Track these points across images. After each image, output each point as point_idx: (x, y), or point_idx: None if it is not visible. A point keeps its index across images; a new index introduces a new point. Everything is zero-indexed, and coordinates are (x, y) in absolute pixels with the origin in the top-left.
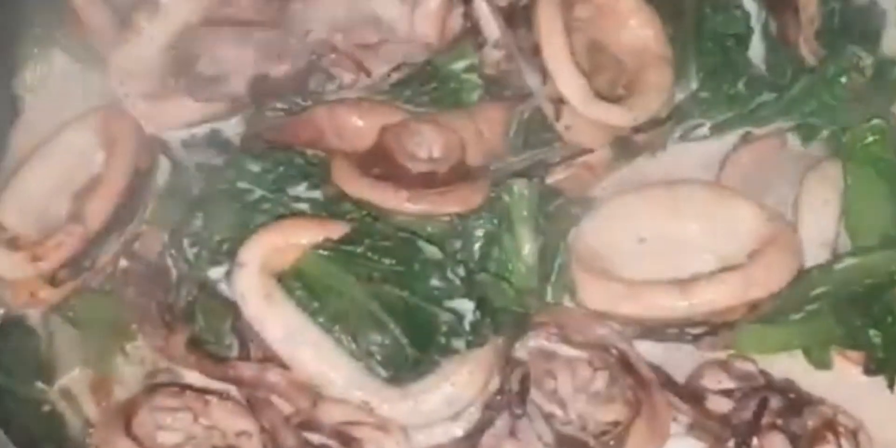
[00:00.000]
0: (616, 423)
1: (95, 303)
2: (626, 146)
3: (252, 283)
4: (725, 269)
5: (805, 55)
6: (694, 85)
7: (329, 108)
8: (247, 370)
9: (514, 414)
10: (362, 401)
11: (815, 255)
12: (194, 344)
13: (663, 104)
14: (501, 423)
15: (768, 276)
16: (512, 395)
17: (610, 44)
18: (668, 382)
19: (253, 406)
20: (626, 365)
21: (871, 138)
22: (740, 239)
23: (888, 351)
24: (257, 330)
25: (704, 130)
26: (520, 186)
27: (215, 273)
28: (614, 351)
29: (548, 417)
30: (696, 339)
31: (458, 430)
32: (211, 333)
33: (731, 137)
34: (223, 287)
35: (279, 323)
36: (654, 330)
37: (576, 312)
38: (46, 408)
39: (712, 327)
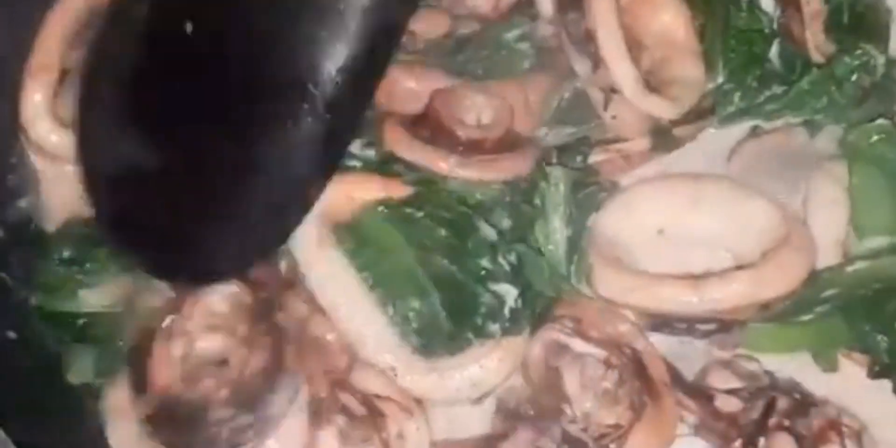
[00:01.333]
0: (617, 427)
1: None
2: (665, 138)
3: (307, 229)
4: (739, 268)
5: (811, 51)
6: (720, 79)
7: None
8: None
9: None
10: (390, 366)
11: (825, 255)
12: None
13: (703, 97)
14: (524, 434)
15: (780, 276)
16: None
17: (638, 29)
18: (677, 380)
19: (299, 350)
20: (638, 366)
21: (876, 137)
22: (756, 237)
23: (894, 356)
24: (304, 273)
25: (713, 122)
26: (556, 174)
27: None
28: (628, 350)
29: (556, 414)
30: (705, 335)
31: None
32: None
33: (738, 131)
34: None
35: (325, 272)
36: (665, 323)
37: (594, 307)
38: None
39: (722, 324)
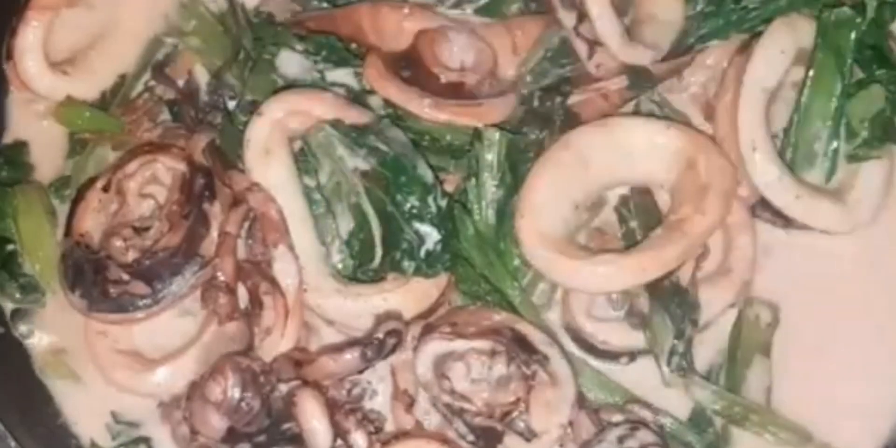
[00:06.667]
0: (517, 401)
1: None
2: (643, 76)
3: (259, 133)
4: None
5: None
6: (700, 5)
7: (372, 6)
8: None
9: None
10: (305, 280)
11: (756, 99)
12: (213, 146)
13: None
14: None
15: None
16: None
17: None
18: None
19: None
20: (520, 341)
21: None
22: (658, 157)
23: None
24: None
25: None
26: (491, 137)
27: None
28: (508, 332)
29: (460, 413)
30: None
31: None
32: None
33: None
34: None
35: (265, 176)
36: None
37: (465, 310)
38: None
39: None
